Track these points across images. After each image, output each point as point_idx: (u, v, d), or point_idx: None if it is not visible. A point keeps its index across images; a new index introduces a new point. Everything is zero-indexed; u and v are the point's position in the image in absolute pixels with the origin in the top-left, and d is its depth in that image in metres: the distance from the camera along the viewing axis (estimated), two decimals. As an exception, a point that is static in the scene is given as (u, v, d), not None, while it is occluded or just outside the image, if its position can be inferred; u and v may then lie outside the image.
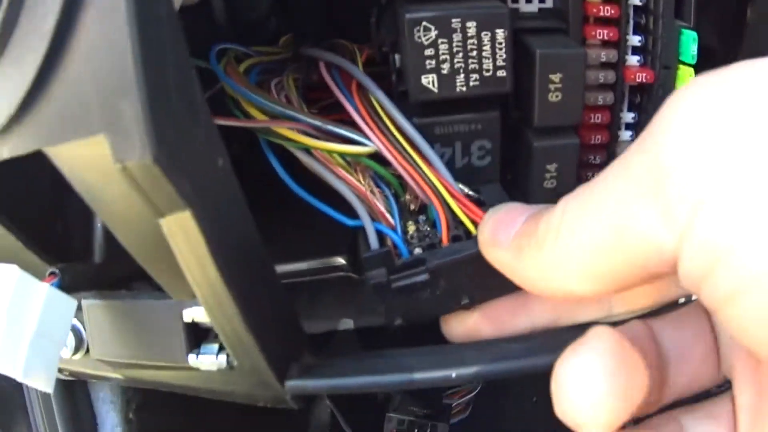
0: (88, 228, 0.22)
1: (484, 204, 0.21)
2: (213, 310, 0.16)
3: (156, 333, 0.19)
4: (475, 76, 0.20)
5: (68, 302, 0.18)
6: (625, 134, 0.26)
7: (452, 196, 0.21)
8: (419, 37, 0.19)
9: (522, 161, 0.23)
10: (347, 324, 0.28)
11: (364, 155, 0.21)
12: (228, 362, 0.18)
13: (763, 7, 0.27)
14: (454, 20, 0.19)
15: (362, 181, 0.22)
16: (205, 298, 0.16)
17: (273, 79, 0.25)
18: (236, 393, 0.20)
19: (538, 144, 0.22)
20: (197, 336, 0.19)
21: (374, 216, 0.21)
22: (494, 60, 0.20)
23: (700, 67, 0.25)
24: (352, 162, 0.22)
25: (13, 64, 0.14)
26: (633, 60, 0.25)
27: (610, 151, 0.26)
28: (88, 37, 0.13)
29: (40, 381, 0.18)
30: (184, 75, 0.14)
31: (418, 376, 0.19)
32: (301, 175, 0.22)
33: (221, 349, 0.18)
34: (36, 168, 0.16)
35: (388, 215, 0.21)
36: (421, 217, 0.22)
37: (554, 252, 0.15)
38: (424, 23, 0.19)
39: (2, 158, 0.15)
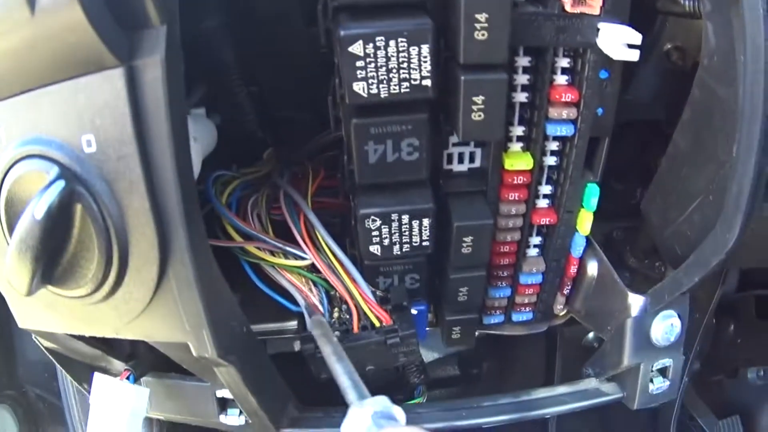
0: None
1: (388, 301, 0.42)
2: (234, 392, 0.38)
3: (196, 400, 0.41)
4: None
5: (144, 391, 0.40)
6: (533, 251, 0.46)
7: (362, 297, 0.41)
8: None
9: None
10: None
11: (303, 267, 0.42)
12: (246, 421, 0.41)
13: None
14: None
15: (305, 284, 0.43)
16: (230, 387, 0.38)
17: (252, 195, 0.44)
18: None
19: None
20: (223, 405, 0.41)
21: (311, 306, 0.42)
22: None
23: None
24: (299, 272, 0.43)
25: (130, 296, 0.33)
26: (543, 203, 0.43)
27: (516, 267, 0.45)
28: (174, 285, 0.32)
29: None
30: (231, 302, 0.34)
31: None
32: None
33: (241, 413, 0.41)
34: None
35: (319, 305, 0.42)
36: (344, 306, 0.42)
37: None
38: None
39: (111, 336, 0.35)
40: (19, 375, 0.64)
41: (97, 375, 0.38)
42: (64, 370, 0.42)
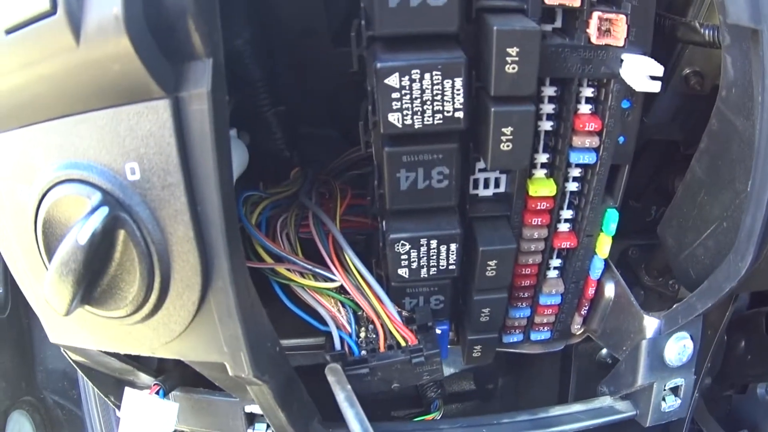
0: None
1: (414, 321, 0.43)
2: (264, 408, 0.40)
3: (224, 415, 0.43)
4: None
5: (173, 406, 0.41)
6: (553, 273, 0.47)
7: (389, 317, 0.43)
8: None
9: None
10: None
11: (331, 289, 0.43)
12: (271, 436, 0.42)
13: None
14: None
15: (333, 305, 0.44)
16: (260, 403, 0.39)
17: (281, 214, 0.46)
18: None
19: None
20: (251, 420, 0.43)
21: (339, 326, 0.44)
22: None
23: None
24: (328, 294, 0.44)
25: (169, 318, 0.35)
26: (564, 227, 0.45)
27: (537, 288, 0.47)
28: (214, 309, 0.34)
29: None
30: (266, 324, 0.36)
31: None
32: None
33: (268, 427, 0.42)
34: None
35: (347, 325, 0.44)
36: (371, 326, 0.44)
37: None
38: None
39: (148, 355, 0.37)
40: (37, 382, 0.65)
41: (127, 390, 0.39)
42: (90, 382, 0.44)
